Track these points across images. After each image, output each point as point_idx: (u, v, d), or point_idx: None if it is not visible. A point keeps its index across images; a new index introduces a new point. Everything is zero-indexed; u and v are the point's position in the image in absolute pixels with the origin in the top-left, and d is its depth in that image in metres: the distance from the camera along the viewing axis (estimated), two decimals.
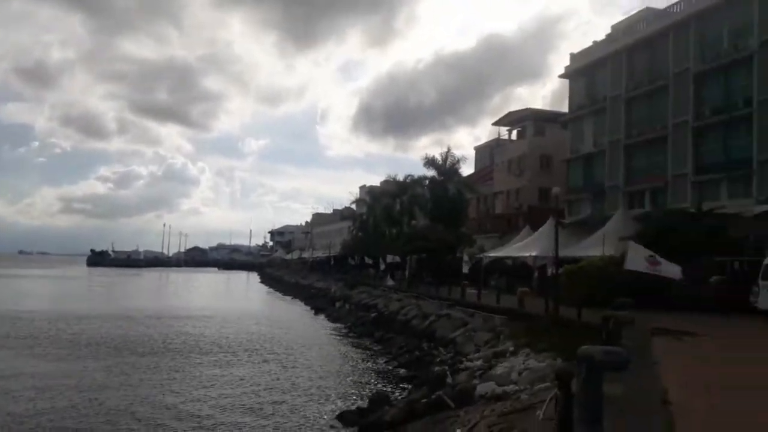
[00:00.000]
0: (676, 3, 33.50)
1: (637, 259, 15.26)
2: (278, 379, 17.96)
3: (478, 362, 15.72)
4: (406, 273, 46.51)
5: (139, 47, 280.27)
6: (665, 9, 34.43)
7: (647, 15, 35.96)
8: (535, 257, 32.26)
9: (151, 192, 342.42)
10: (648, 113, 34.98)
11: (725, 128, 30.01)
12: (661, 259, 15.06)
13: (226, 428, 12.55)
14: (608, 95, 37.51)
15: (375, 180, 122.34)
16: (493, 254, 39.30)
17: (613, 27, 39.33)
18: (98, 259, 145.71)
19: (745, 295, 21.48)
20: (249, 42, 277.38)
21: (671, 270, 14.91)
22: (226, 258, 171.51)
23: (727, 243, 26.46)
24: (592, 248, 27.45)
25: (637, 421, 5.99)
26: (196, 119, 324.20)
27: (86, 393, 15.33)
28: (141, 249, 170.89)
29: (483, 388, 12.67)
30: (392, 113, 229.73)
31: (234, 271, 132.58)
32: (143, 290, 63.77)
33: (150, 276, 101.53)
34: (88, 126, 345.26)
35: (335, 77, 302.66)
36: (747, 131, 28.52)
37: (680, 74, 32.36)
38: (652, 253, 15.57)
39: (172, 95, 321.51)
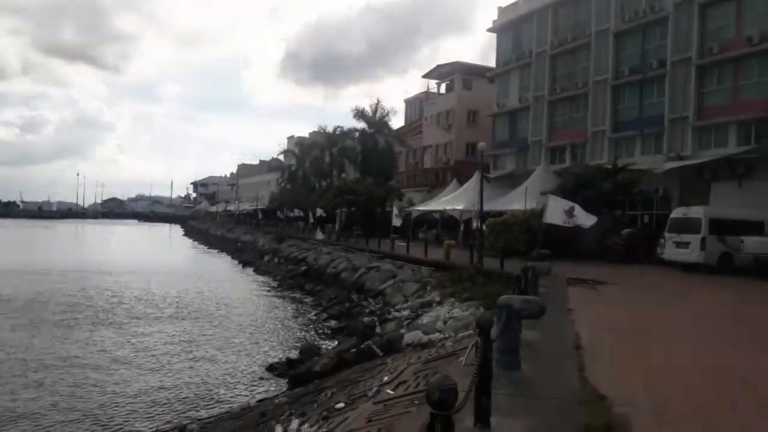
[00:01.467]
0: None
1: (556, 212, 16.03)
2: (207, 334, 17.82)
3: (406, 312, 16.22)
4: (336, 226, 46.64)
5: None
6: None
7: None
8: (462, 210, 33.23)
9: (63, 139, 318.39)
10: (571, 70, 36.05)
11: (640, 87, 31.48)
12: (578, 211, 15.88)
13: (155, 387, 12.39)
14: (534, 51, 38.25)
15: (303, 131, 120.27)
16: (421, 208, 40.09)
17: None
18: (5, 210, 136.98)
19: (653, 247, 23.17)
20: None
21: (586, 220, 15.78)
22: (146, 210, 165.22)
23: (639, 197, 28.25)
24: (516, 202, 28.52)
25: (552, 363, 6.46)
26: (111, 61, 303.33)
27: None
28: (53, 200, 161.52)
29: (410, 336, 13.15)
30: (321, 61, 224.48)
31: (155, 224, 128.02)
32: (57, 243, 60.48)
33: (64, 228, 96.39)
34: None
35: (261, 21, 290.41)
36: (660, 91, 30.07)
37: (601, 33, 33.41)
38: (572, 204, 16.34)
39: (82, 34, 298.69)
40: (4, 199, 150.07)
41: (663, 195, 28.86)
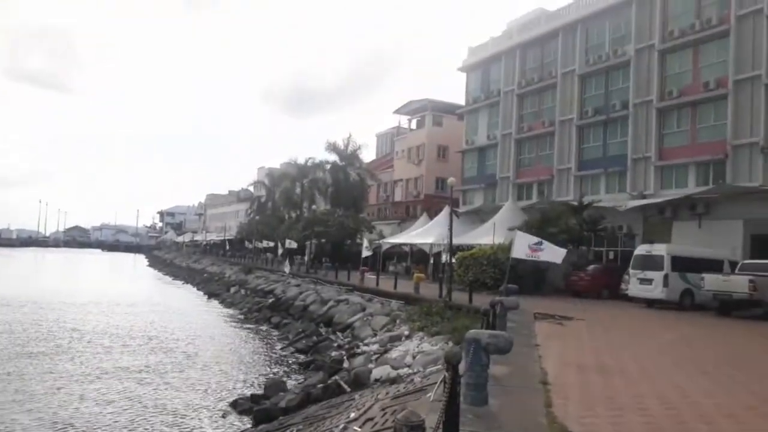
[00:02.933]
0: (565, 6, 35.66)
1: (522, 247, 16.24)
2: (169, 368, 17.29)
3: (375, 346, 16.09)
4: (306, 258, 46.31)
5: None
6: (556, 11, 36.56)
7: (540, 15, 37.97)
8: (432, 244, 33.44)
9: (25, 164, 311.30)
10: (537, 109, 37.11)
11: (604, 127, 32.55)
12: (545, 245, 16.11)
13: (110, 423, 11.93)
14: (502, 90, 39.30)
15: (274, 162, 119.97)
16: (392, 240, 40.21)
17: (509, 24, 41.15)
18: None
19: (618, 283, 23.67)
20: None
21: (555, 254, 16.02)
22: (110, 239, 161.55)
23: (604, 234, 28.94)
24: (484, 236, 28.89)
25: (519, 399, 6.48)
26: (76, 87, 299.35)
27: None
28: (13, 227, 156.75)
29: (378, 371, 13.03)
30: (293, 94, 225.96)
31: (119, 253, 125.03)
32: (17, 272, 58.50)
33: (24, 256, 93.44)
34: None
35: (234, 51, 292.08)
36: (623, 132, 31.12)
37: (567, 74, 34.60)
38: (539, 239, 16.59)
39: (46, 59, 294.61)
40: None
41: (627, 232, 29.59)
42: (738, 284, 18.56)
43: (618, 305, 21.77)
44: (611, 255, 30.55)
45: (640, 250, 22.75)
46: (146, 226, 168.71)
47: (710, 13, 27.37)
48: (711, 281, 19.40)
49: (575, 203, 28.77)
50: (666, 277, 20.77)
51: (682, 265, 21.04)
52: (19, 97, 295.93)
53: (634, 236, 29.02)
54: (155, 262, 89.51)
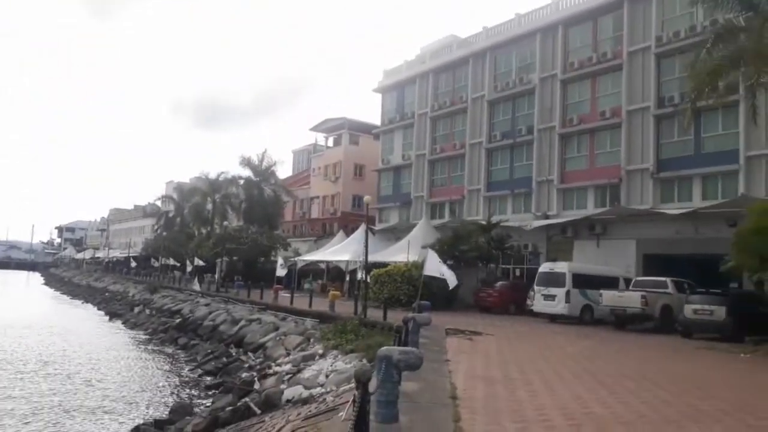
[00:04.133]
0: (476, 34, 37.26)
1: (434, 265, 16.68)
2: (66, 393, 16.09)
3: (287, 366, 15.77)
4: (216, 276, 44.85)
5: None
6: (467, 38, 38.10)
7: (452, 41, 39.45)
8: (348, 261, 33.44)
9: None
10: (449, 132, 38.34)
11: (511, 151, 34.13)
12: (444, 269, 16.77)
13: None
14: (416, 112, 40.31)
15: (184, 176, 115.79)
16: (308, 258, 39.81)
17: (422, 49, 42.40)
18: None
19: (524, 298, 24.71)
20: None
21: (451, 278, 16.66)
22: (1, 255, 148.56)
23: (511, 252, 30.19)
24: (399, 254, 29.28)
25: (429, 415, 6.58)
26: None
27: None
28: None
29: (290, 392, 12.79)
30: (205, 108, 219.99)
31: (11, 271, 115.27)
32: None
33: None
34: None
35: (146, 60, 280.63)
36: (529, 155, 32.77)
37: (477, 99, 36.07)
38: (440, 260, 17.30)
39: None
40: None
41: (532, 250, 31.02)
42: (632, 300, 19.93)
43: (524, 320, 22.68)
44: (518, 272, 31.88)
45: (544, 267, 23.91)
46: (42, 242, 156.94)
47: (606, 47, 29.59)
48: (608, 297, 20.70)
49: (484, 222, 29.86)
50: (568, 293, 21.94)
51: (583, 282, 22.32)
52: None
53: (538, 254, 30.47)
54: (52, 281, 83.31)
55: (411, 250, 27.68)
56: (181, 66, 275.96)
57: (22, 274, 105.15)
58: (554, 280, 22.46)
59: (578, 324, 21.76)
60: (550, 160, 31.38)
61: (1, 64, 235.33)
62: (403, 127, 41.78)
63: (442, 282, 17.26)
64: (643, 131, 27.45)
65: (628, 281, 23.01)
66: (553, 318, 22.56)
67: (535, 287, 23.26)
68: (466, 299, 26.94)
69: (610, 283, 22.66)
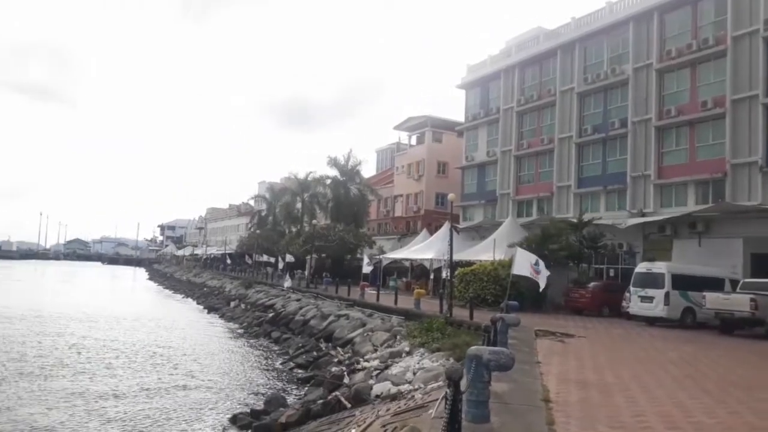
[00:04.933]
0: (564, 25, 36.05)
1: (523, 264, 16.29)
2: (169, 382, 17.26)
3: (375, 362, 16.06)
4: (306, 272, 46.31)
5: None
6: (555, 30, 36.94)
7: (539, 33, 38.37)
8: (432, 259, 33.45)
9: (25, 176, 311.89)
10: (536, 127, 37.36)
11: (603, 145, 32.75)
12: (541, 266, 16.26)
13: None
14: (501, 107, 39.59)
15: (275, 176, 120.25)
16: (392, 255, 40.22)
17: (507, 42, 41.56)
18: None
19: (619, 300, 23.67)
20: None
21: (543, 278, 16.16)
22: (111, 252, 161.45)
23: (604, 251, 28.98)
24: (484, 252, 28.90)
25: (521, 417, 6.51)
26: (78, 99, 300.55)
27: None
28: (14, 240, 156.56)
29: (379, 387, 13.01)
30: (293, 108, 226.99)
31: (119, 266, 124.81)
32: (17, 285, 58.33)
33: (24, 269, 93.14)
34: None
35: (236, 64, 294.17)
36: (623, 150, 31.30)
37: (566, 92, 34.89)
38: (537, 258, 16.69)
39: (46, 72, 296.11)
40: None
41: (627, 250, 29.62)
42: (740, 303, 18.57)
43: (618, 323, 21.74)
44: (611, 272, 30.58)
45: (641, 267, 22.78)
46: (146, 240, 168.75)
47: (707, 33, 27.69)
48: (712, 300, 19.40)
49: (575, 220, 28.85)
50: (667, 295, 20.78)
51: (683, 283, 21.06)
52: (20, 109, 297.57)
53: (634, 254, 29.07)
54: (155, 276, 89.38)
55: (497, 248, 27.25)
56: (270, 68, 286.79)
57: (129, 270, 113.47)
58: (652, 280, 21.34)
59: (679, 328, 20.59)
60: (646, 154, 29.83)
61: (111, 71, 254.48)
62: (488, 123, 41.17)
63: (532, 282, 16.87)
64: (751, 121, 25.46)
65: (734, 283, 21.44)
66: (651, 321, 21.44)
67: (631, 288, 22.21)
68: (556, 300, 26.16)
69: (715, 284, 21.21)
